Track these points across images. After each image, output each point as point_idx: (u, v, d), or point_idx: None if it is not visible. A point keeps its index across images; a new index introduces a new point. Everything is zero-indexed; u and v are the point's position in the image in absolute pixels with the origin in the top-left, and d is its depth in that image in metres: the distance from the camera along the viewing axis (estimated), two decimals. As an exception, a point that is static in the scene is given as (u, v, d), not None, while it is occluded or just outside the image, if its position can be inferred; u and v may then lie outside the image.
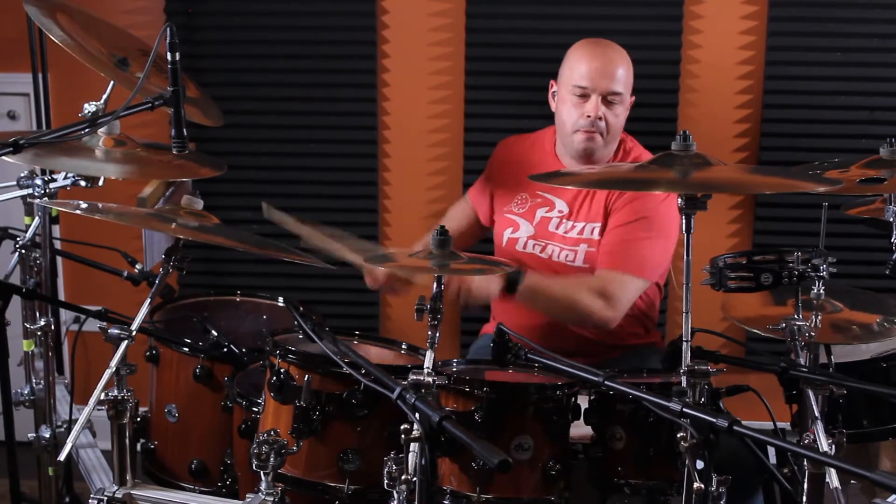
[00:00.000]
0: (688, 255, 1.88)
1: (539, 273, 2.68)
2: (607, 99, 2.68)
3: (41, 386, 2.62)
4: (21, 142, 1.87)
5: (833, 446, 1.97)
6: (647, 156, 2.78)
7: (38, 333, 2.59)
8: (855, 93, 3.34)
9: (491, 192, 2.93)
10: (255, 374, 2.36)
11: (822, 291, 2.17)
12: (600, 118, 2.67)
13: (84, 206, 2.23)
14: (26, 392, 2.64)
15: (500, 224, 2.87)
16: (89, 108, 2.28)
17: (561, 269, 2.77)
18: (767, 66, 3.35)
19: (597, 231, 2.74)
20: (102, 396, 2.08)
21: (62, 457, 2.07)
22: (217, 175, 2.36)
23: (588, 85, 2.67)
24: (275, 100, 3.47)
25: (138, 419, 2.44)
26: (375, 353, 2.40)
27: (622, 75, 2.70)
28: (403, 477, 1.88)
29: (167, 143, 2.04)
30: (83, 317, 2.36)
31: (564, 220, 2.78)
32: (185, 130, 1.99)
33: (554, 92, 2.81)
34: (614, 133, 2.73)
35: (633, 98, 2.78)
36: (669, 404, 1.76)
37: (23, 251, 2.51)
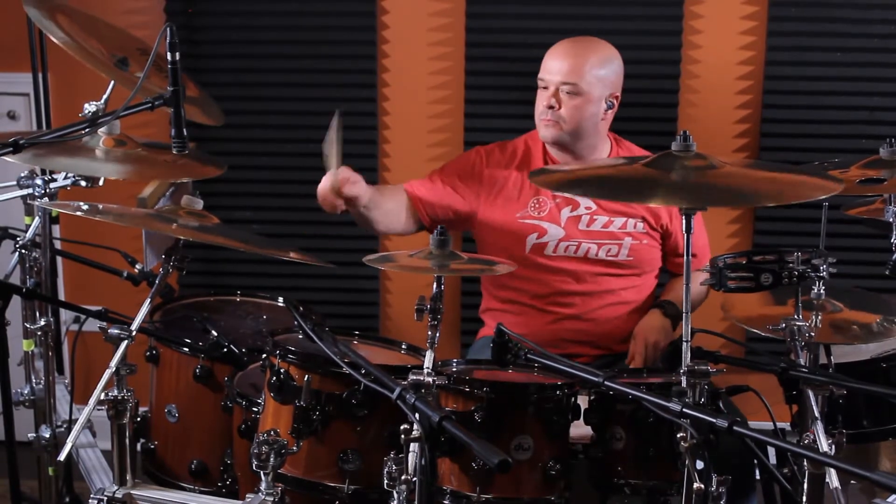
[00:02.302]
0: (687, 255, 1.88)
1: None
2: (564, 90, 2.71)
3: (41, 386, 2.62)
4: (21, 142, 1.87)
5: (833, 446, 1.97)
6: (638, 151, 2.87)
7: (38, 333, 2.59)
8: (855, 93, 3.34)
9: (477, 197, 2.83)
10: (255, 374, 2.36)
11: (822, 291, 2.17)
12: (551, 107, 2.71)
13: (85, 207, 2.23)
14: (26, 392, 2.64)
15: (516, 231, 2.79)
16: (89, 108, 2.28)
17: (600, 267, 2.78)
18: (767, 66, 3.35)
19: (640, 225, 2.78)
20: (102, 396, 2.08)
21: (62, 457, 2.07)
22: (217, 175, 2.37)
23: (544, 76, 2.75)
24: (275, 100, 3.47)
25: (138, 419, 2.44)
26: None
27: (583, 69, 2.71)
28: (403, 477, 1.88)
29: (167, 143, 2.04)
30: (83, 317, 2.37)
31: (596, 216, 2.78)
32: (185, 130, 1.99)
33: None
34: (575, 125, 2.73)
35: (616, 96, 2.78)
36: (669, 404, 1.77)
37: (23, 251, 2.52)
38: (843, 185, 1.96)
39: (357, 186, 2.58)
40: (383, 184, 3.48)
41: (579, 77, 2.70)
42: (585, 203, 2.78)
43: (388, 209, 2.77)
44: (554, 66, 2.73)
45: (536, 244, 2.78)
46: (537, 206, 2.79)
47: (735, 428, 1.66)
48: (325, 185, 2.56)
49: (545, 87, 2.75)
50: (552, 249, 2.78)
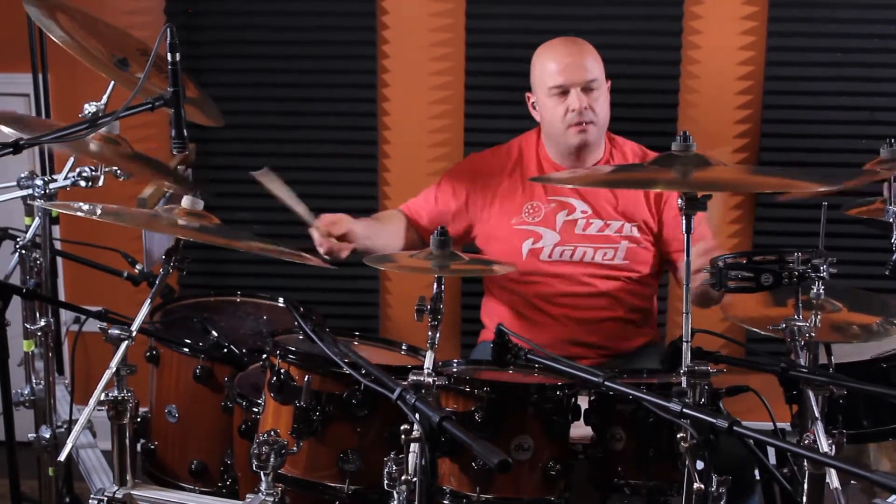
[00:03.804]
0: (688, 255, 1.88)
1: None
2: (586, 88, 2.71)
3: (41, 386, 2.62)
4: (21, 142, 1.87)
5: (833, 447, 1.97)
6: (633, 146, 2.88)
7: (38, 334, 2.59)
8: (855, 93, 3.34)
9: (472, 208, 2.85)
10: (255, 374, 2.36)
11: (821, 291, 2.17)
12: (586, 108, 2.70)
13: (85, 207, 2.23)
14: (26, 392, 2.64)
15: (511, 238, 2.80)
16: (89, 108, 2.28)
17: (596, 270, 2.77)
18: (767, 66, 3.35)
19: (636, 230, 2.77)
20: (102, 397, 2.07)
21: (62, 457, 2.07)
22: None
23: (564, 81, 2.71)
24: (275, 100, 3.48)
25: (138, 419, 2.45)
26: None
27: (592, 63, 2.73)
28: (403, 477, 1.88)
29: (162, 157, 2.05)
30: (83, 317, 2.36)
31: (592, 220, 2.77)
32: (185, 131, 1.99)
33: (533, 103, 2.82)
34: (604, 120, 2.76)
35: (610, 82, 2.79)
36: (669, 405, 1.76)
37: (23, 251, 2.52)
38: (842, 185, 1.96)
39: (342, 224, 2.64)
40: (383, 184, 3.49)
41: (599, 72, 2.73)
42: (581, 207, 2.78)
43: (389, 232, 2.82)
44: (571, 67, 2.70)
45: (532, 249, 2.78)
46: (532, 211, 2.79)
47: (735, 428, 1.66)
48: (316, 239, 2.63)
49: (564, 93, 2.70)
50: (548, 254, 2.78)
